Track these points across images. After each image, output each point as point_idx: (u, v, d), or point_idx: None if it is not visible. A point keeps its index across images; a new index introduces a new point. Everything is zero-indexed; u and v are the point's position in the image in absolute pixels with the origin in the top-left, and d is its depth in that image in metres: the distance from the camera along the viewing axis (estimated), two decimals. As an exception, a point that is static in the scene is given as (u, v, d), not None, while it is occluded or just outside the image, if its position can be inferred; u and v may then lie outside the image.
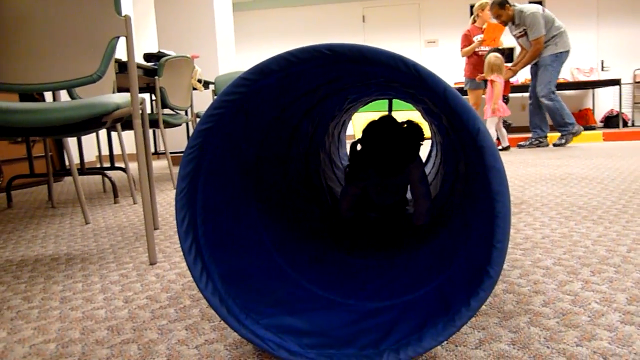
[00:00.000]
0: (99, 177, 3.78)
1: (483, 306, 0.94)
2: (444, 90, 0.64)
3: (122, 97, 1.44)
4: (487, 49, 5.06)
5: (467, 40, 5.31)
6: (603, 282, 1.04)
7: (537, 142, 5.04)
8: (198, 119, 3.39)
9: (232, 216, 0.94)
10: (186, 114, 3.87)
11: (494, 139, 4.53)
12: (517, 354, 0.75)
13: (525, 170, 3.07)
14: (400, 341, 0.71)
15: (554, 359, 0.73)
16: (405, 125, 1.35)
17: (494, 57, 4.69)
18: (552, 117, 4.90)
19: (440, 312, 0.70)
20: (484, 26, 5.15)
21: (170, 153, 3.63)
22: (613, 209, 1.75)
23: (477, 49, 5.19)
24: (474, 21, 5.33)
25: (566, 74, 8.27)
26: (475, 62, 5.21)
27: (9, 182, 2.70)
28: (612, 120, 7.86)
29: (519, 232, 1.51)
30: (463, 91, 6.59)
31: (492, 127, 4.66)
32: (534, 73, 4.99)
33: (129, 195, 2.82)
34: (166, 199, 2.62)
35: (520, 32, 4.91)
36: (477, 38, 5.19)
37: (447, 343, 0.80)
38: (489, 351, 0.77)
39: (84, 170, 2.82)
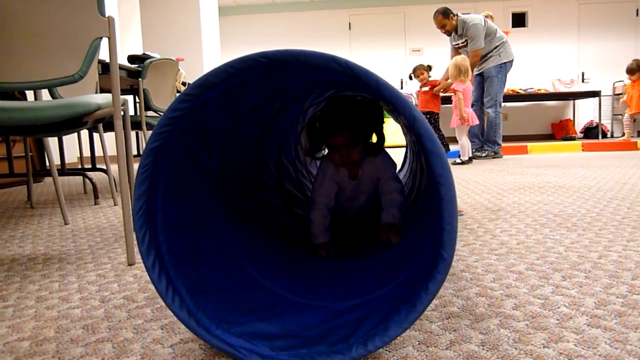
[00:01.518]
0: (79, 178, 3.74)
1: (455, 309, 0.96)
2: (376, 83, 0.67)
3: (104, 98, 1.44)
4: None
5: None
6: (573, 286, 1.07)
7: (492, 153, 4.97)
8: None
9: (197, 229, 0.95)
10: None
11: (466, 148, 4.45)
12: (486, 354, 0.77)
13: (504, 179, 3.12)
14: (368, 333, 0.73)
15: (521, 359, 0.75)
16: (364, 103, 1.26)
17: (462, 59, 4.48)
18: (487, 128, 4.89)
19: (404, 301, 0.72)
20: None
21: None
22: (587, 217, 1.79)
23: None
24: None
25: (547, 84, 8.44)
26: None
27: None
28: (591, 131, 8.02)
29: (495, 237, 1.54)
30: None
31: (462, 136, 4.44)
32: (478, 83, 4.95)
33: (110, 196, 2.79)
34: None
35: (462, 43, 4.85)
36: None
37: (418, 344, 0.82)
38: (459, 352, 0.79)
39: (64, 170, 2.80)
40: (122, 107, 1.59)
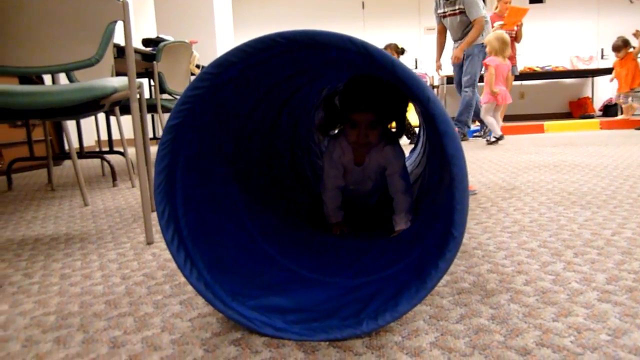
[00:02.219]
0: (98, 161, 3.80)
1: (466, 285, 0.98)
2: (392, 64, 0.67)
3: (120, 81, 1.46)
4: (508, 32, 5.04)
5: None
6: (585, 263, 1.07)
7: (461, 135, 4.74)
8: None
9: (215, 206, 0.97)
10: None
11: (495, 128, 4.36)
12: (495, 328, 0.79)
13: (519, 158, 3.10)
14: (379, 309, 0.75)
15: (530, 332, 0.77)
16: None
17: (495, 34, 4.38)
18: (460, 107, 4.69)
19: (414, 279, 0.74)
20: (505, 14, 5.11)
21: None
22: (602, 195, 1.78)
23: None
24: (496, 8, 5.29)
25: (565, 61, 8.26)
26: None
27: (9, 164, 2.73)
28: (610, 109, 7.85)
29: (508, 216, 1.55)
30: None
31: (487, 114, 4.37)
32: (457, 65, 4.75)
33: (128, 179, 2.84)
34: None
35: (452, 10, 4.56)
36: (498, 24, 5.16)
37: (429, 318, 0.84)
38: (469, 325, 0.80)
39: (83, 154, 2.85)
40: (138, 90, 1.61)
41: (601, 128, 5.81)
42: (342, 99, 1.22)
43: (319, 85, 1.43)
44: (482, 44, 4.54)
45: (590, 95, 8.21)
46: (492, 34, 4.47)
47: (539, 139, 4.63)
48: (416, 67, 8.22)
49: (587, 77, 8.19)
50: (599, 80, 8.20)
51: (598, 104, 8.19)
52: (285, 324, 0.80)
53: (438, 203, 1.02)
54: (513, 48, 5.32)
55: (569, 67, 8.20)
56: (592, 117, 7.49)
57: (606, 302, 0.87)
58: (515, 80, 6.10)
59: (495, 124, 4.34)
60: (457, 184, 0.67)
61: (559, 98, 8.39)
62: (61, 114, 1.51)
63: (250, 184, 1.17)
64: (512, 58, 5.27)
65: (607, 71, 7.63)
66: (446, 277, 1.02)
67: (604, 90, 8.21)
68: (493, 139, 4.29)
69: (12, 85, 1.35)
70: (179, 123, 0.80)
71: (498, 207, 1.69)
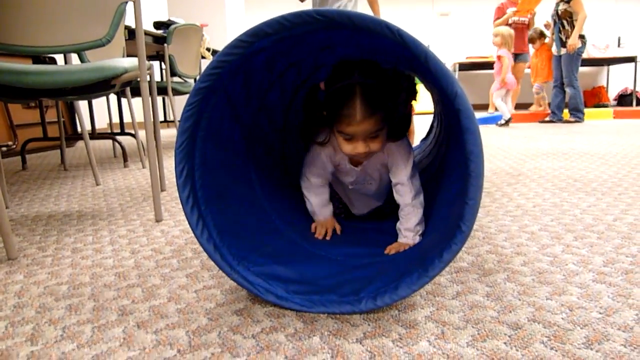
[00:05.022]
0: (109, 142, 3.85)
1: (465, 264, 1.00)
2: (425, 55, 0.68)
3: (131, 62, 1.48)
4: (521, 19, 5.07)
5: (500, 12, 5.30)
6: (584, 246, 1.09)
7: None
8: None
9: (229, 173, 0.99)
10: (195, 81, 3.92)
11: (505, 111, 4.65)
12: (490, 304, 0.81)
13: (528, 145, 3.09)
14: (378, 290, 0.77)
15: (523, 309, 0.79)
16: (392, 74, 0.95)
17: (507, 29, 4.73)
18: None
19: (417, 266, 0.76)
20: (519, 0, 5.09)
21: (180, 121, 3.70)
22: (608, 182, 1.78)
23: (510, 21, 5.16)
24: None
25: (581, 50, 8.11)
26: None
27: (23, 145, 2.78)
28: (625, 99, 7.75)
29: (512, 200, 1.56)
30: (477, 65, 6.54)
31: (498, 99, 4.73)
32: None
33: (138, 160, 2.89)
34: (173, 165, 2.69)
35: None
36: (511, 10, 5.15)
37: (426, 294, 0.86)
38: (464, 301, 0.83)
39: (95, 135, 2.90)
40: (148, 72, 1.64)
41: (615, 117, 5.74)
42: (328, 104, 0.94)
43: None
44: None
45: (605, 85, 8.09)
46: (503, 28, 4.65)
47: (550, 127, 4.59)
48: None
49: (602, 65, 8.07)
50: (615, 69, 8.07)
51: (613, 93, 8.07)
52: (287, 293, 0.83)
53: (445, 193, 1.01)
54: (525, 36, 5.31)
55: (584, 55, 8.07)
56: (606, 106, 7.39)
57: (601, 282, 0.89)
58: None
59: (505, 107, 4.75)
60: (472, 180, 0.68)
61: (573, 86, 8.27)
62: (73, 93, 1.54)
63: (264, 156, 1.18)
64: (525, 46, 5.26)
65: (624, 60, 7.51)
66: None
67: (619, 79, 8.09)
68: (502, 122, 4.69)
69: (25, 65, 1.39)
70: (207, 87, 0.81)
71: (502, 192, 1.70)
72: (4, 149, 3.28)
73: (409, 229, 1.01)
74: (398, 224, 1.03)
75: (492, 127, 4.67)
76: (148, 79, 1.50)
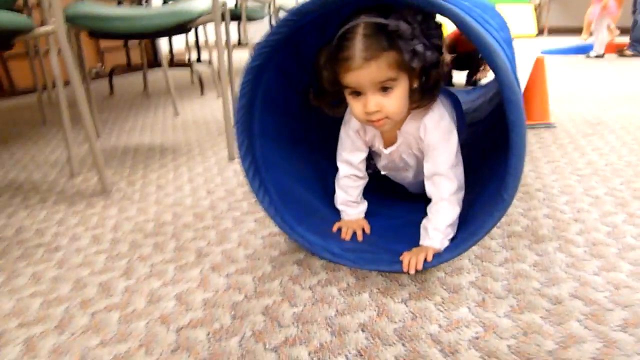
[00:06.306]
0: (187, 67, 4.01)
1: (519, 228, 1.02)
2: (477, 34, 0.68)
3: (206, 3, 1.53)
4: None
5: None
6: (650, 216, 1.06)
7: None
8: (280, 12, 3.41)
9: (289, 141, 1.05)
10: (268, 7, 3.89)
11: (603, 43, 4.17)
12: (535, 274, 0.85)
13: (614, 86, 2.84)
14: None
15: (567, 282, 0.82)
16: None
17: None
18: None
19: (460, 231, 0.80)
20: None
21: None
22: (699, 138, 1.65)
23: None
24: None
25: None
26: None
27: (110, 71, 2.98)
28: None
29: (584, 156, 1.50)
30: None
31: (600, 29, 4.20)
32: None
33: (214, 88, 3.01)
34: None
35: None
36: None
37: (474, 257, 0.91)
38: (510, 269, 0.87)
39: (173, 63, 3.03)
40: (222, 9, 1.68)
41: None
42: (331, 54, 0.78)
43: None
44: None
45: None
46: None
47: (636, 62, 4.15)
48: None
49: None
50: None
51: None
52: (342, 250, 0.91)
53: (494, 160, 0.97)
54: None
55: None
56: None
57: (657, 260, 0.88)
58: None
59: (605, 40, 4.22)
60: (514, 151, 0.69)
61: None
62: (152, 36, 1.63)
63: (322, 121, 1.23)
64: None
65: None
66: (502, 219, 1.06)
67: None
68: (594, 54, 4.21)
69: (110, 10, 1.48)
70: (258, 64, 0.87)
71: (575, 144, 1.63)
72: (94, 71, 3.53)
73: (438, 228, 0.83)
74: (425, 220, 0.85)
75: (579, 59, 4.29)
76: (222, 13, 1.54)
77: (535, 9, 7.28)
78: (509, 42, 0.96)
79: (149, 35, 1.58)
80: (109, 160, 1.60)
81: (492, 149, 1.08)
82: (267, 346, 0.68)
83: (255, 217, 1.12)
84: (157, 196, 1.27)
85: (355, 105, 0.80)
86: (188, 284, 0.85)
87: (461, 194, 0.85)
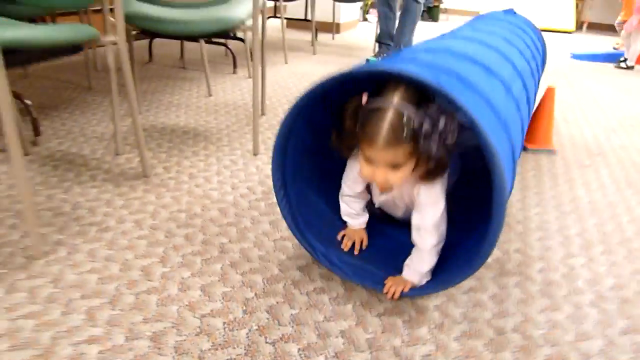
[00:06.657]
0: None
1: (490, 260, 1.20)
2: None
3: (247, 11, 1.68)
4: None
5: None
6: (605, 263, 1.23)
7: None
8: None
9: (317, 166, 1.19)
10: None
11: (635, 54, 4.15)
12: (490, 306, 1.04)
13: (631, 104, 2.89)
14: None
15: (513, 317, 1.01)
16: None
17: None
18: None
19: (439, 271, 0.99)
20: None
21: (286, 19, 3.88)
22: (685, 184, 1.77)
23: None
24: None
25: None
26: None
27: (150, 41, 3.15)
28: None
29: (572, 190, 1.65)
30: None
31: (636, 40, 4.11)
32: None
33: (246, 66, 3.16)
34: (276, 76, 2.94)
35: None
36: None
37: (445, 284, 1.10)
38: (472, 298, 1.06)
39: (209, 40, 3.17)
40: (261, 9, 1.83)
41: None
42: (360, 119, 0.88)
43: None
44: None
45: None
46: None
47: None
48: None
49: None
50: None
51: None
52: (339, 262, 1.10)
53: (476, 209, 1.05)
54: None
55: None
56: None
57: (593, 307, 1.06)
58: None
59: (637, 51, 4.21)
60: (496, 207, 0.79)
61: None
62: (195, 39, 1.80)
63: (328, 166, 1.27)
64: None
65: None
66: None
67: None
68: (623, 64, 4.22)
69: (162, 11, 1.65)
70: (293, 114, 0.97)
71: (568, 176, 1.77)
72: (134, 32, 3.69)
73: (418, 271, 0.99)
74: (408, 260, 1.01)
75: (608, 68, 4.30)
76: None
77: (577, 4, 7.14)
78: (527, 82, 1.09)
79: (193, 39, 1.76)
80: (148, 140, 1.80)
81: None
82: (267, 340, 0.90)
83: (270, 218, 1.32)
84: (189, 186, 1.48)
85: (365, 168, 0.92)
86: (211, 277, 1.06)
87: (440, 245, 1.00)
